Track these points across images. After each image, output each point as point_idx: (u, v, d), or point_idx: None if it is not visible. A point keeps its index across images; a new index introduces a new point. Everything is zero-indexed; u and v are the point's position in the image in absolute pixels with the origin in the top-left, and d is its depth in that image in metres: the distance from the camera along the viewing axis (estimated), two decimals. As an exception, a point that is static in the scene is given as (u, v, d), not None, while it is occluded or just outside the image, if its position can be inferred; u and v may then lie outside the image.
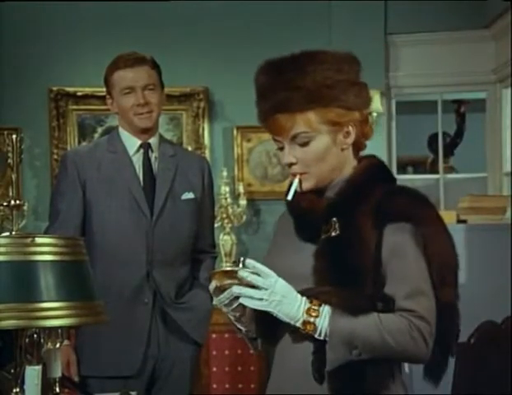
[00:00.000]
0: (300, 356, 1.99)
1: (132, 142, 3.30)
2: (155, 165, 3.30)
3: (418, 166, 7.11)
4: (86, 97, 5.44)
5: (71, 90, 5.46)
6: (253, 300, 1.92)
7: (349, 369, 1.91)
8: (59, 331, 2.36)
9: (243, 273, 1.92)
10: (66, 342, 3.19)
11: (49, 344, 2.30)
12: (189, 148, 5.31)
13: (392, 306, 1.91)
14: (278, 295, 1.91)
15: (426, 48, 5.66)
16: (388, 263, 1.93)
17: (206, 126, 5.57)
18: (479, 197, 4.84)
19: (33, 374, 2.17)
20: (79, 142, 5.47)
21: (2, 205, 2.21)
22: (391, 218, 1.95)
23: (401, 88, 5.79)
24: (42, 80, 5.45)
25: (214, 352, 5.11)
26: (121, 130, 3.34)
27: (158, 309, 3.25)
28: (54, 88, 5.45)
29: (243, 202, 5.41)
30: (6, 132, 5.28)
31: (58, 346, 2.33)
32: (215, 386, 5.14)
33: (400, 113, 5.90)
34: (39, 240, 2.07)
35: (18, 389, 2.14)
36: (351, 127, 2.04)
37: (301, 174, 2.04)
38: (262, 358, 2.16)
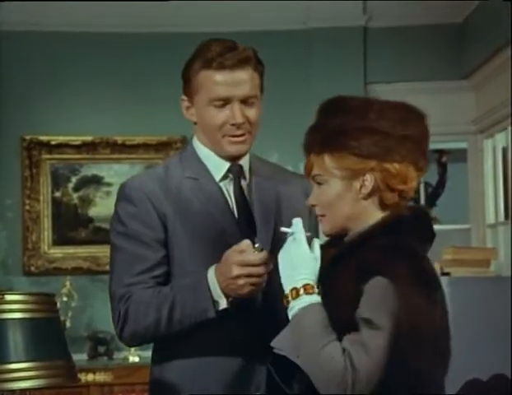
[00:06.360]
0: None
1: (217, 164, 2.40)
2: (248, 193, 2.44)
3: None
4: (60, 146, 5.34)
5: (44, 138, 5.36)
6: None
7: None
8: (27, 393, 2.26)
9: None
10: None
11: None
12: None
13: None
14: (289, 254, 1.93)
15: (406, 97, 5.48)
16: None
17: (183, 176, 5.48)
18: (462, 249, 4.81)
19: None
20: (52, 192, 5.37)
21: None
22: (368, 274, 1.84)
23: (381, 138, 5.77)
24: (14, 128, 5.37)
25: None
26: (198, 145, 2.43)
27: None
28: (27, 137, 5.36)
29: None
30: (-24, 183, 5.19)
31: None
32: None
33: (380, 164, 5.86)
34: (8, 297, 2.02)
35: None
36: (368, 176, 1.94)
37: (320, 216, 2.03)
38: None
